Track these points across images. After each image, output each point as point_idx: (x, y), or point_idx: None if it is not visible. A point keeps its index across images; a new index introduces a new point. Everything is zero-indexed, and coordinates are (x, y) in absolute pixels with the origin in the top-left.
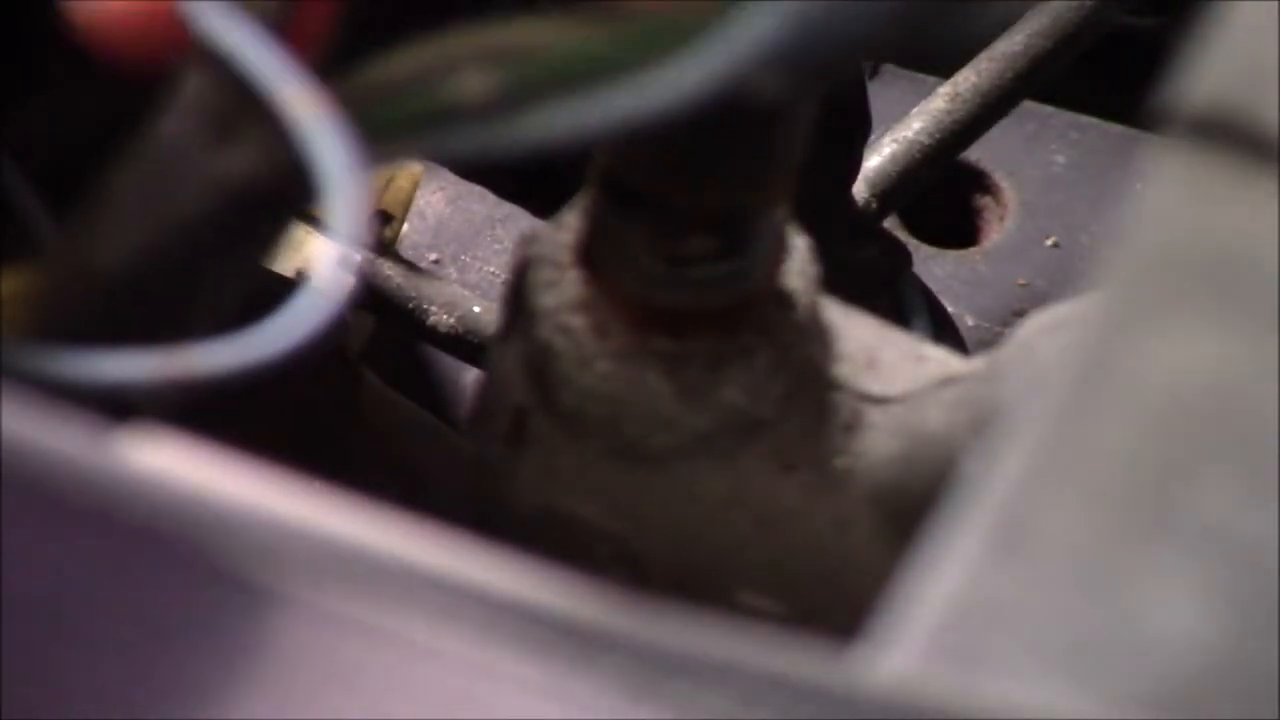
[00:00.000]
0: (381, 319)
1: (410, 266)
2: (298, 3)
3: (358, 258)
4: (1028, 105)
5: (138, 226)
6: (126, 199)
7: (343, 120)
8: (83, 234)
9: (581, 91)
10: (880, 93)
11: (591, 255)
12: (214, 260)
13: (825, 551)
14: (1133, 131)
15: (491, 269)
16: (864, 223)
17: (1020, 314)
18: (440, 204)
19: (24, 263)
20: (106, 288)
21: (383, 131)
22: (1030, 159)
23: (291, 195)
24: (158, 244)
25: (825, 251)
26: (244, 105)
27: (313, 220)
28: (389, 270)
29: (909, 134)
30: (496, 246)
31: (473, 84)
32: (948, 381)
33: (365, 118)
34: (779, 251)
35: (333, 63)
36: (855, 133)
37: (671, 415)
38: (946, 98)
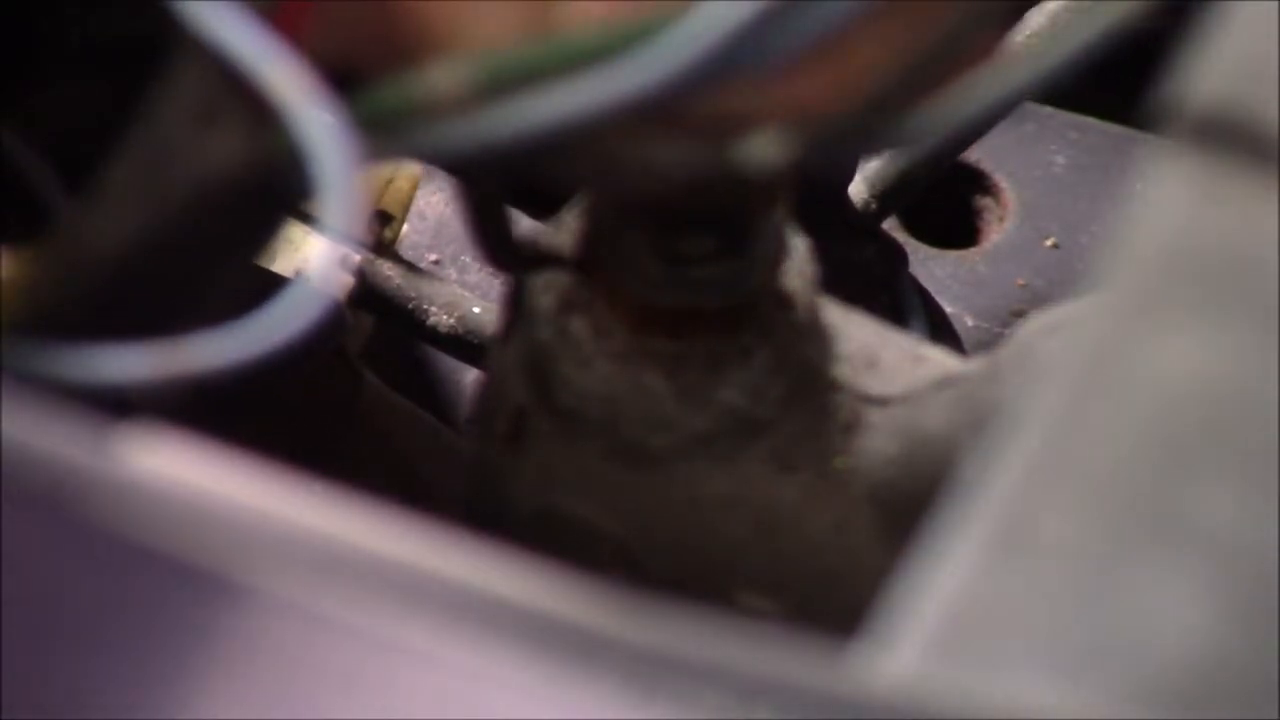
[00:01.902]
0: (381, 319)
1: (410, 267)
2: None
3: (352, 248)
4: (1028, 105)
5: (131, 214)
6: (121, 186)
7: (333, 106)
8: (78, 221)
9: (555, 83)
10: None
11: (591, 256)
12: (208, 248)
13: (825, 552)
14: (1133, 131)
15: (491, 270)
16: (861, 223)
17: (1020, 314)
18: (440, 205)
19: (24, 246)
20: (100, 274)
21: (357, 130)
22: (1030, 159)
23: (284, 184)
24: (151, 231)
25: (823, 252)
26: (232, 94)
27: (310, 218)
28: (389, 270)
29: None
30: None
31: (444, 78)
32: (947, 382)
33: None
34: (778, 252)
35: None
36: None
37: (671, 416)
38: None
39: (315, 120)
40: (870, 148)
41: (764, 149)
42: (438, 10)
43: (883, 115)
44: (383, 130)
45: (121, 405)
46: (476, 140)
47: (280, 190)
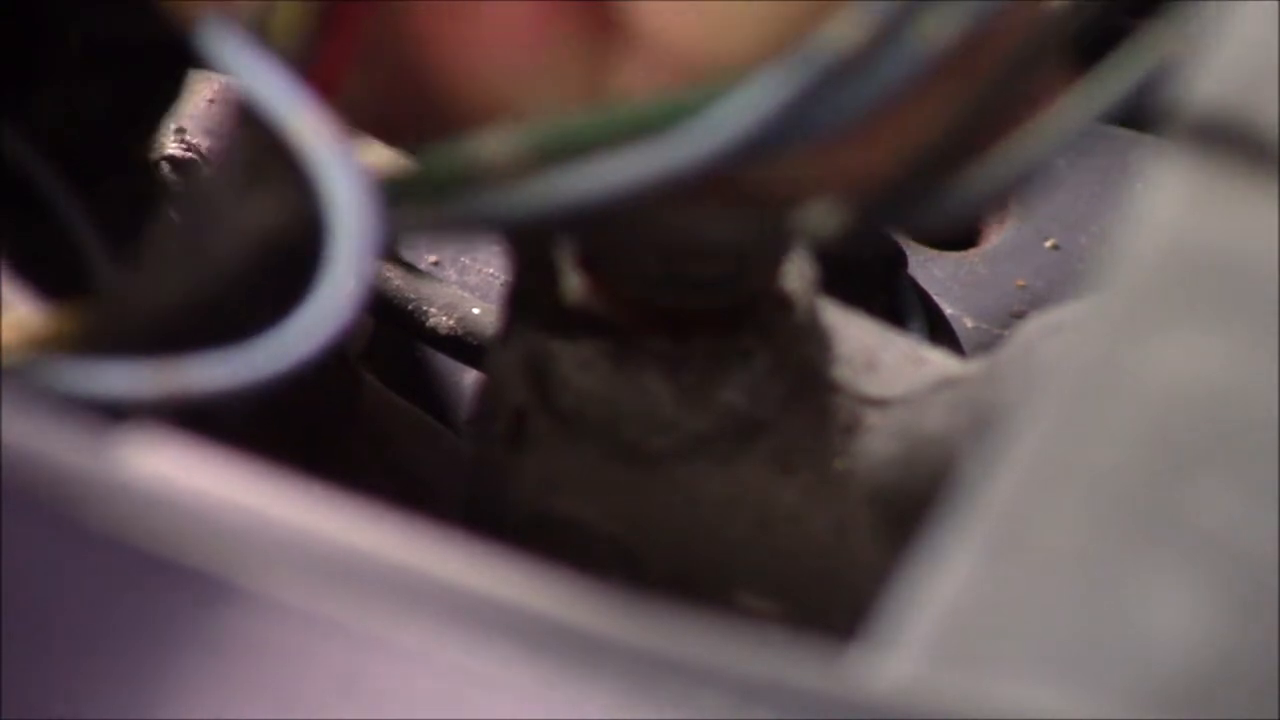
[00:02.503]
0: (381, 320)
1: (410, 268)
2: (321, 44)
3: (366, 282)
4: None
5: (177, 274)
6: (167, 246)
7: (359, 160)
8: (124, 281)
9: (609, 151)
10: None
11: (591, 256)
12: (254, 304)
13: (824, 553)
14: (1133, 132)
15: (491, 271)
16: None
17: (1019, 316)
18: None
19: (70, 300)
20: (144, 334)
21: (405, 202)
22: None
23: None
24: (196, 291)
25: (822, 253)
26: (274, 152)
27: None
28: (388, 272)
29: None
30: (496, 248)
31: (496, 145)
32: (947, 383)
33: (385, 190)
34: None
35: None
36: None
37: (670, 417)
38: None
39: (339, 178)
40: (928, 211)
41: (821, 219)
42: (490, 80)
43: (938, 178)
44: (430, 199)
45: (120, 418)
46: (526, 211)
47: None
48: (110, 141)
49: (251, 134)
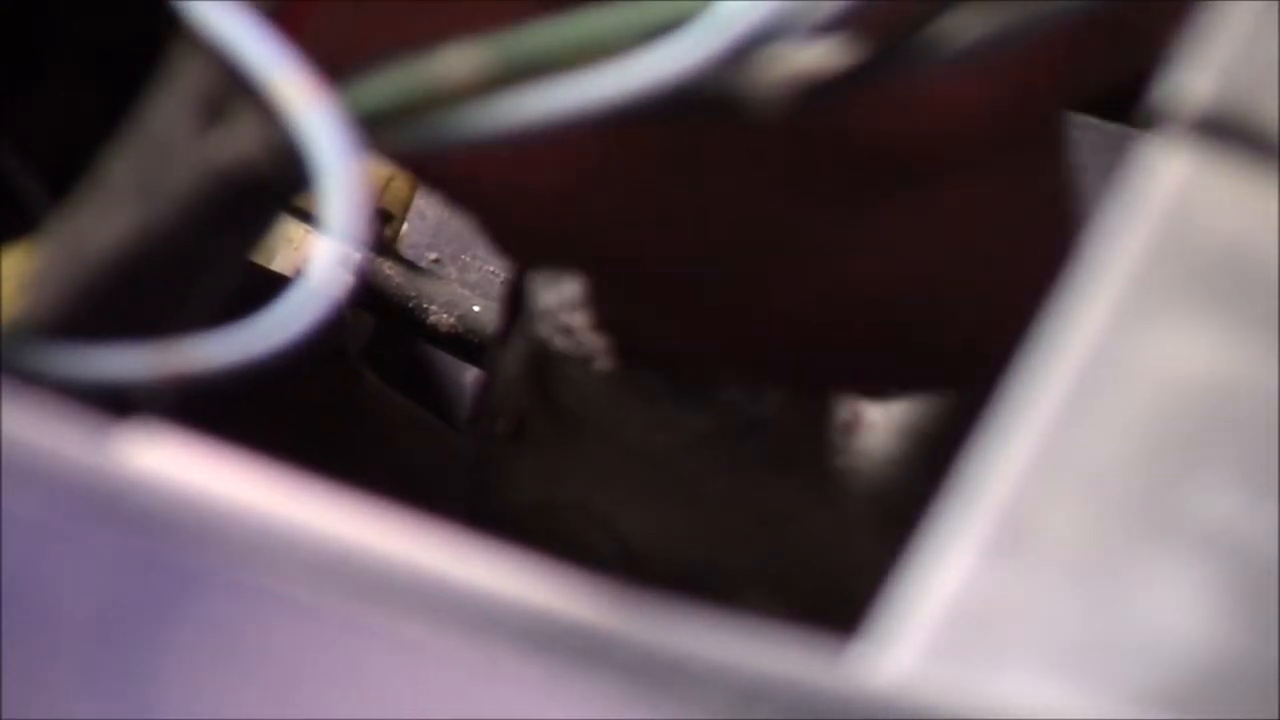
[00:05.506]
0: (381, 318)
1: (410, 266)
2: None
3: (355, 250)
4: None
5: (128, 208)
6: (117, 181)
7: (336, 106)
8: (74, 216)
9: (572, 71)
10: None
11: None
12: (205, 244)
13: (824, 550)
14: (1133, 131)
15: (492, 268)
16: None
17: None
18: (440, 204)
19: (20, 243)
20: (96, 269)
21: (369, 120)
22: None
23: (285, 180)
24: (148, 226)
25: None
26: (236, 89)
27: (310, 216)
28: (389, 269)
29: None
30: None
31: (458, 62)
32: None
33: (349, 106)
34: None
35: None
36: None
37: (671, 415)
38: None
39: (313, 109)
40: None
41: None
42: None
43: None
44: (391, 121)
45: (121, 403)
46: (491, 130)
47: (285, 182)
48: (107, 141)
49: (209, 69)
